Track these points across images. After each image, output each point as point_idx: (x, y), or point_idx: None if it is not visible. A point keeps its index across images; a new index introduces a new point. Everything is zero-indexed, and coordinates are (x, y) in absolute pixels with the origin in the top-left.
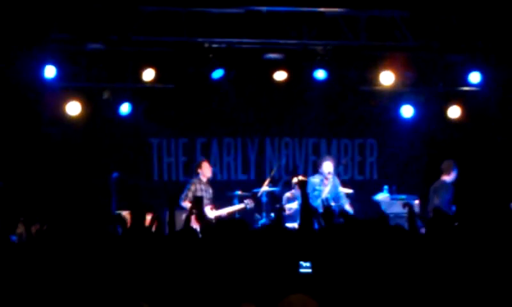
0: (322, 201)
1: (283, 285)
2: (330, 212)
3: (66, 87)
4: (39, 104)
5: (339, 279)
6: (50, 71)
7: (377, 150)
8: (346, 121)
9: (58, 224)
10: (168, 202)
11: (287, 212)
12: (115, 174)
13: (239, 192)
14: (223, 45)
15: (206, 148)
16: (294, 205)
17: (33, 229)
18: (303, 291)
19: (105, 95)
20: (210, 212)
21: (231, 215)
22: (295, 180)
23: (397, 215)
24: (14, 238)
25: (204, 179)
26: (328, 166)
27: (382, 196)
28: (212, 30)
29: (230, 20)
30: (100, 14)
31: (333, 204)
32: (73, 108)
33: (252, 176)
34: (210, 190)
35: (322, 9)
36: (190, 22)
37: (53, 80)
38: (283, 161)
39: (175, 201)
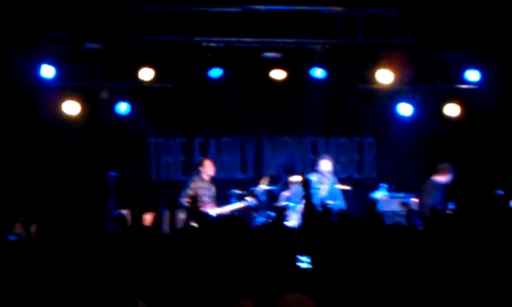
0: (320, 200)
1: (282, 283)
2: (327, 211)
3: (64, 86)
4: (37, 104)
5: (336, 277)
6: (48, 71)
7: (376, 148)
8: (344, 119)
9: (55, 223)
10: (168, 202)
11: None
12: (113, 174)
13: (237, 191)
14: (221, 44)
15: (204, 147)
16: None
17: (32, 228)
18: (301, 290)
19: (104, 95)
20: (212, 210)
21: (232, 213)
22: (292, 178)
23: (395, 213)
24: (12, 237)
25: (206, 177)
26: (325, 165)
27: (380, 194)
28: (210, 29)
29: (228, 19)
30: (98, 14)
31: (331, 202)
32: (72, 107)
33: (250, 175)
34: (213, 189)
35: (320, 8)
36: (188, 21)
37: (51, 79)
38: (281, 160)
39: (175, 201)
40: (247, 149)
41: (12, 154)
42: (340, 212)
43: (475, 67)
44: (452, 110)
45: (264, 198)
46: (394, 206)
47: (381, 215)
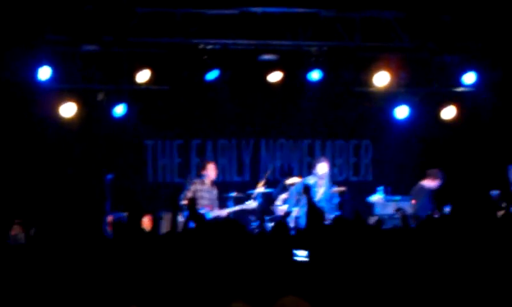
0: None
1: (277, 286)
2: (320, 214)
3: (61, 88)
4: (34, 106)
5: (330, 280)
6: (44, 73)
7: (372, 151)
8: (341, 122)
9: (51, 225)
10: (169, 203)
11: (280, 213)
12: (109, 176)
13: (234, 194)
14: (218, 47)
15: (201, 150)
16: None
17: (29, 231)
18: (296, 293)
19: (100, 97)
20: (210, 213)
21: (228, 216)
22: (289, 181)
23: (392, 217)
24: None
25: (208, 180)
26: (322, 167)
27: (377, 197)
28: (207, 31)
29: (224, 21)
30: (94, 15)
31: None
32: (68, 109)
33: (247, 178)
34: (215, 192)
35: (316, 10)
36: (184, 23)
37: (48, 81)
38: (278, 163)
39: (177, 201)
40: (243, 152)
41: (8, 156)
42: (336, 216)
43: (472, 70)
44: (448, 112)
45: (261, 201)
46: (391, 209)
47: (364, 221)
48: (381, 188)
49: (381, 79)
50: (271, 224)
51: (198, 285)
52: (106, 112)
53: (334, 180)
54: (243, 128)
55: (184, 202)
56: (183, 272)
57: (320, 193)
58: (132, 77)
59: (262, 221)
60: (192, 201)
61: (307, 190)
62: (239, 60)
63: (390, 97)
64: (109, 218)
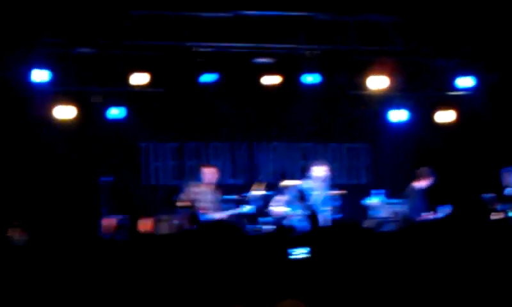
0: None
1: (276, 290)
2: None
3: (56, 91)
4: (29, 108)
5: (329, 283)
6: (40, 75)
7: (368, 154)
8: (336, 125)
9: (47, 228)
10: (169, 204)
11: (275, 216)
12: (105, 179)
13: (229, 197)
14: (212, 49)
15: (195, 152)
16: (281, 209)
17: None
18: (295, 296)
19: (95, 99)
20: (207, 215)
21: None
22: (285, 183)
23: (388, 220)
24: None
25: (205, 183)
26: (318, 171)
27: (373, 201)
28: (202, 34)
29: (219, 24)
30: (90, 18)
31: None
32: (63, 112)
33: (241, 181)
34: (215, 195)
35: (312, 14)
36: (180, 26)
37: (43, 83)
38: (272, 166)
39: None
40: (238, 155)
41: (3, 159)
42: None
43: (467, 73)
44: (443, 116)
45: (255, 204)
46: (387, 212)
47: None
48: (376, 191)
49: (376, 83)
50: (265, 227)
51: (197, 289)
52: (101, 114)
53: (329, 183)
54: (237, 131)
55: (180, 204)
56: (181, 274)
57: (317, 197)
58: (127, 79)
59: (257, 224)
60: (190, 204)
61: (302, 196)
62: (234, 63)
63: (385, 101)
64: (105, 220)
